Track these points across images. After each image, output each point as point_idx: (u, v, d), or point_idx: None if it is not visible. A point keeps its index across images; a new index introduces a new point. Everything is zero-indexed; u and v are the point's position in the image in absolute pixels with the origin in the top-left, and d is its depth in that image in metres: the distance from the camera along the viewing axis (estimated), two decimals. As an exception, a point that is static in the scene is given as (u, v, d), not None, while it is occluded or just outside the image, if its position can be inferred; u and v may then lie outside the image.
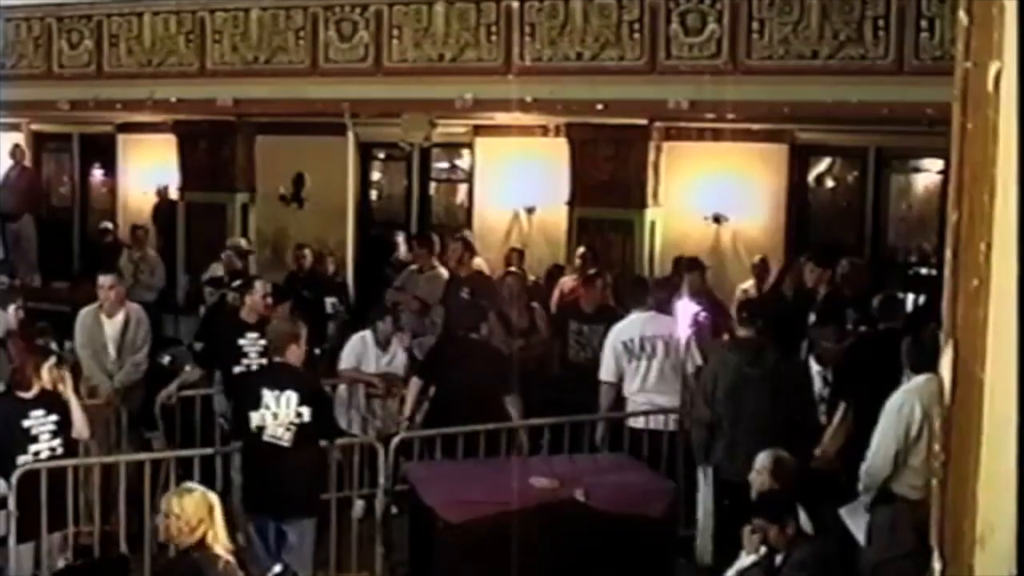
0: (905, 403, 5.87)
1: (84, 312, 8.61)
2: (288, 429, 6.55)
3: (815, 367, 7.37)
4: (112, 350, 8.45)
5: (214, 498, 5.08)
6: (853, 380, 7.03)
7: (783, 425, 6.81)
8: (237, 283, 9.40)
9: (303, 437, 6.59)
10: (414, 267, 10.72)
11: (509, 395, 7.88)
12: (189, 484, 5.36)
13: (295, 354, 6.71)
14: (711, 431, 7.17)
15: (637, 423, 8.05)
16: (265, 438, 6.57)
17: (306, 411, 6.57)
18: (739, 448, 6.79)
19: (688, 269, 9.67)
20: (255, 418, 6.57)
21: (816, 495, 6.17)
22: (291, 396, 6.55)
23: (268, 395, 6.55)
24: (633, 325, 8.20)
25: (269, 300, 8.38)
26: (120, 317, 8.52)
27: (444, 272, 10.45)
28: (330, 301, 11.06)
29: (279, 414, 6.54)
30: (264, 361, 7.48)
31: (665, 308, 8.24)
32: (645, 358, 8.08)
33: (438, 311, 10.16)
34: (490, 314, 9.05)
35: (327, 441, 7.09)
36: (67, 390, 6.82)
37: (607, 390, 8.23)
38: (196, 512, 4.93)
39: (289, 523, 6.63)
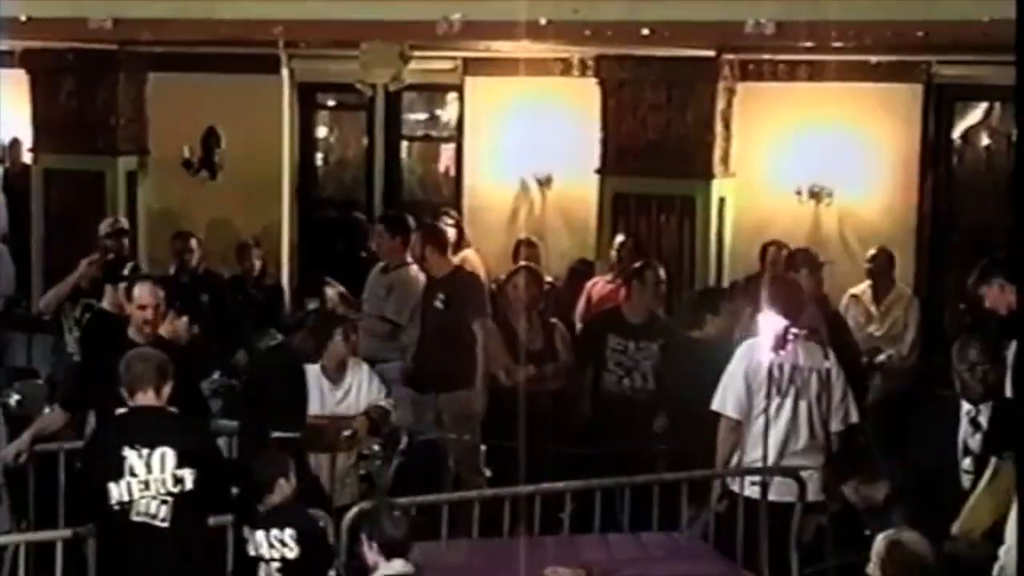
0: None
1: None
2: (164, 502, 6.57)
3: (964, 406, 7.36)
4: None
5: None
6: (1015, 424, 6.76)
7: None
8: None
9: (186, 512, 6.58)
10: (380, 265, 10.80)
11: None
12: None
13: (165, 394, 6.72)
14: None
15: (752, 490, 7.85)
16: (133, 517, 6.56)
17: (188, 474, 6.59)
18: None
19: (791, 265, 9.72)
20: (116, 491, 6.55)
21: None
22: (166, 454, 6.57)
23: (132, 456, 6.56)
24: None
25: (146, 308, 8.22)
26: None
27: (416, 271, 10.43)
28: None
29: (150, 482, 6.55)
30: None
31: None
32: (792, 396, 7.94)
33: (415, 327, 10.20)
34: (475, 324, 9.38)
35: (225, 515, 7.02)
36: None
37: (729, 430, 8.05)
38: None
39: None
